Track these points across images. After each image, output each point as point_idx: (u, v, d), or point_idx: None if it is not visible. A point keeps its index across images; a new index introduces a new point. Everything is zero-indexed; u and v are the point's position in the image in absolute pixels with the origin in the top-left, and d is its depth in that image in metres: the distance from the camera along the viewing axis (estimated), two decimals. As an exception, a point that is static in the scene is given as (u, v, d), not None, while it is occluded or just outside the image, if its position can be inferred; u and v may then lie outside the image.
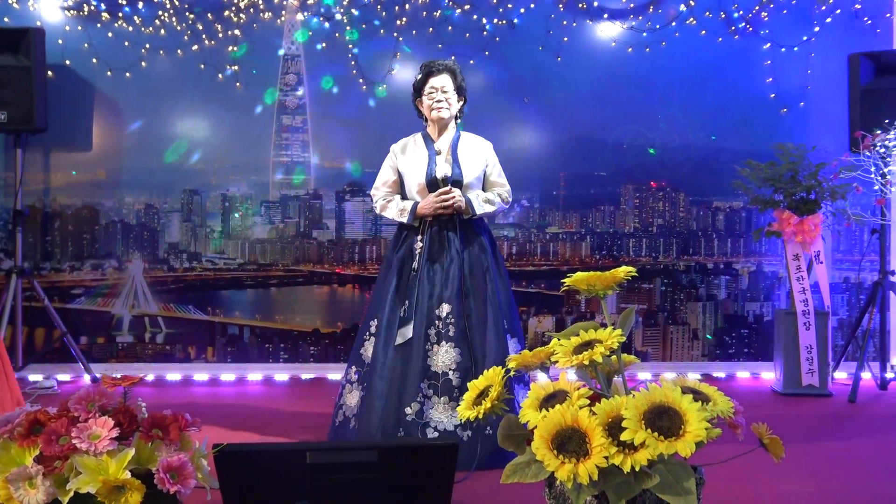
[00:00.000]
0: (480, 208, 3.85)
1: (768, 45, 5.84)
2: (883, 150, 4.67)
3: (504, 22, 5.82)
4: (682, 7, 5.83)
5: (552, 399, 1.90)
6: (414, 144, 3.99)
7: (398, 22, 5.79)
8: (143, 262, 5.83)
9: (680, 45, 5.85)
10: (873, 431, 4.18)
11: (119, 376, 2.37)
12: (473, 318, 3.74)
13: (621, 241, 6.00)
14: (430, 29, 5.80)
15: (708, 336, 5.94)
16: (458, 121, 4.04)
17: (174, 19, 5.73)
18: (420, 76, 3.93)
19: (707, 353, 5.95)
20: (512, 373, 2.15)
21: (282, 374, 5.73)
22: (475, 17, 5.81)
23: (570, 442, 1.76)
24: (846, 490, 3.16)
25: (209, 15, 5.74)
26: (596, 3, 5.84)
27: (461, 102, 3.98)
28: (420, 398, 3.63)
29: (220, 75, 5.78)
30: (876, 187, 4.81)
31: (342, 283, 5.96)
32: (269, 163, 5.92)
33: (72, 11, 5.69)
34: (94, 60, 5.69)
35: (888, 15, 5.83)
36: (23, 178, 5.50)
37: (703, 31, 5.84)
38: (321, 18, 5.81)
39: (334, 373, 5.72)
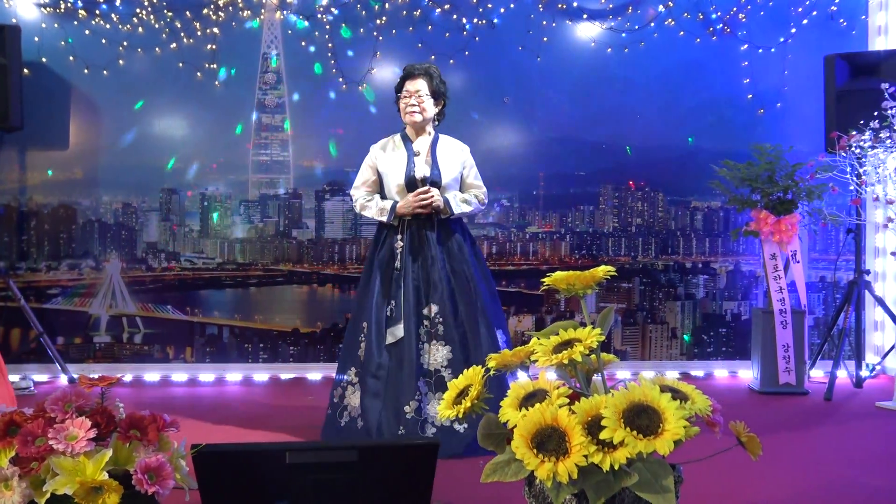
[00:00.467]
0: (458, 208, 3.94)
1: (746, 46, 5.89)
2: (858, 150, 4.71)
3: (484, 22, 5.83)
4: (661, 8, 5.86)
5: (532, 398, 1.90)
6: (393, 145, 4.07)
7: (378, 21, 5.78)
8: (120, 261, 5.79)
9: (658, 46, 5.89)
10: (849, 429, 4.22)
11: (96, 377, 2.36)
12: (462, 316, 3.84)
13: (600, 240, 6.03)
14: (410, 28, 5.80)
15: (685, 337, 5.98)
16: (437, 123, 4.12)
17: (152, 17, 5.69)
18: (399, 78, 4.04)
19: (685, 351, 5.99)
20: (492, 372, 2.15)
21: (261, 375, 5.71)
22: (455, 16, 5.81)
23: (549, 441, 1.76)
24: (823, 486, 3.19)
25: (187, 13, 5.71)
26: (575, 4, 5.86)
27: (439, 105, 4.06)
28: (418, 396, 3.74)
29: (198, 74, 5.74)
30: (851, 188, 4.85)
31: (322, 283, 5.94)
32: (248, 162, 5.89)
33: (48, 9, 5.63)
34: (71, 58, 5.65)
35: (863, 17, 5.89)
36: (-1, 177, 5.45)
37: (682, 32, 5.88)
38: (301, 17, 5.79)
39: (314, 373, 5.71)
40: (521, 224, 6.03)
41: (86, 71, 5.66)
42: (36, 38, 5.60)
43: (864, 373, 5.40)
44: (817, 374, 5.54)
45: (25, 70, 5.47)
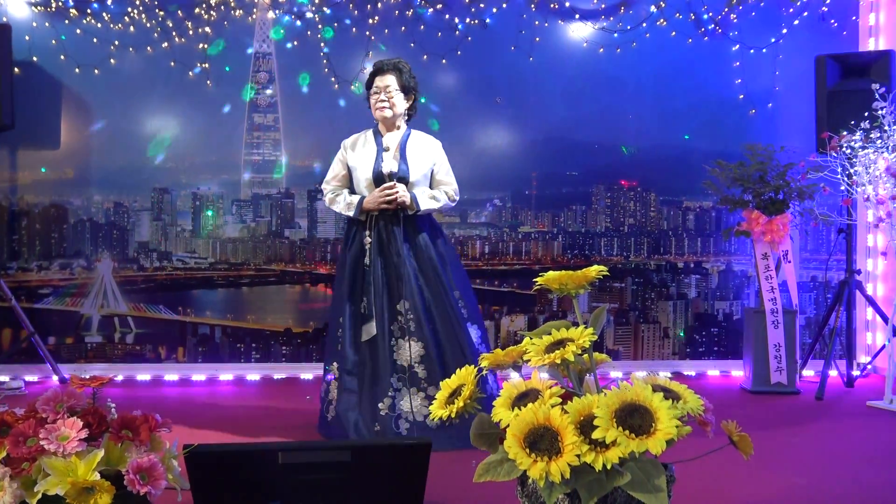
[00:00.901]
0: (425, 204, 3.94)
1: (737, 46, 5.90)
2: (849, 151, 4.72)
3: (476, 21, 5.83)
4: (653, 8, 5.87)
5: (524, 398, 1.90)
6: (364, 140, 4.07)
7: (370, 21, 5.78)
8: (112, 261, 5.77)
9: (650, 46, 5.90)
10: (840, 428, 4.24)
11: (88, 377, 2.35)
12: (432, 312, 3.86)
13: (593, 240, 6.03)
14: (403, 28, 5.79)
15: (680, 333, 5.99)
16: (409, 118, 4.11)
17: (144, 16, 5.67)
18: (369, 74, 4.04)
19: (678, 351, 6.00)
20: (485, 371, 2.15)
21: (253, 374, 5.70)
22: (447, 16, 5.81)
23: (542, 440, 1.77)
24: (814, 486, 3.20)
25: (179, 12, 5.69)
26: (568, 4, 5.87)
27: (409, 101, 4.04)
28: (391, 392, 3.76)
29: (190, 73, 5.73)
30: (842, 188, 4.86)
31: (314, 283, 5.93)
32: (240, 161, 5.88)
33: (39, 7, 5.61)
34: (62, 57, 5.63)
35: (854, 18, 5.91)
36: (-11, 177, 5.43)
37: (674, 33, 5.89)
38: (293, 16, 5.79)
39: (306, 372, 5.70)
40: (514, 224, 6.03)
41: (77, 70, 5.64)
42: (27, 37, 5.58)
43: (856, 372, 5.42)
44: (808, 373, 5.56)
45: (16, 69, 5.44)
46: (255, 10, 5.77)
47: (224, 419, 4.41)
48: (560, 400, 1.86)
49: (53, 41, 5.63)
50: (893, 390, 4.62)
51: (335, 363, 3.94)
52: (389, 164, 3.93)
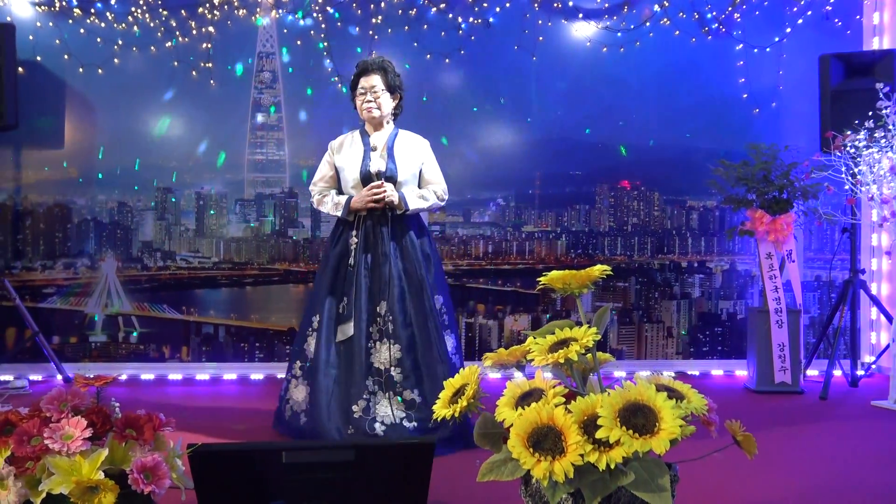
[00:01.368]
0: (413, 204, 3.89)
1: (741, 45, 5.89)
2: (853, 150, 4.71)
3: (479, 21, 5.83)
4: (656, 7, 5.86)
5: (528, 397, 1.90)
6: (351, 140, 4.04)
7: (373, 20, 5.77)
8: (116, 260, 5.78)
9: (654, 46, 5.89)
10: (844, 428, 4.23)
11: (92, 376, 2.35)
12: (411, 316, 3.80)
13: (596, 239, 6.03)
14: (406, 27, 5.79)
15: (683, 332, 5.98)
16: (395, 117, 4.08)
17: (147, 16, 5.68)
18: (354, 74, 4.00)
19: (681, 350, 5.99)
20: (488, 374, 2.15)
21: (257, 374, 5.70)
22: (450, 15, 5.81)
23: (545, 440, 1.77)
24: (818, 486, 3.19)
25: (183, 11, 5.69)
26: (571, 3, 5.86)
27: (396, 100, 4.02)
28: (366, 395, 3.71)
29: (193, 72, 5.73)
30: (847, 187, 4.85)
31: (318, 282, 5.93)
32: (243, 161, 5.88)
33: (43, 7, 5.62)
34: (66, 57, 5.64)
35: (858, 17, 5.90)
36: (-7, 176, 5.44)
37: (677, 32, 5.88)
38: (296, 16, 5.79)
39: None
40: (518, 223, 6.03)
41: (81, 70, 5.65)
42: (31, 37, 5.59)
43: (860, 372, 5.40)
44: (813, 373, 5.55)
45: (20, 69, 5.45)
46: (258, 9, 5.77)
47: (228, 418, 4.42)
48: (564, 399, 1.86)
49: (57, 41, 5.63)
50: (898, 390, 4.61)
51: (298, 361, 3.91)
52: (377, 164, 3.90)
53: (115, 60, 5.68)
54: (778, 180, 5.08)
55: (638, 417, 1.75)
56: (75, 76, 5.66)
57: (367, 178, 3.88)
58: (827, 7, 5.86)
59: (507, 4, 5.82)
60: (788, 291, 5.20)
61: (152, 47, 5.70)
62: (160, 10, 5.67)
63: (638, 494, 1.74)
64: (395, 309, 3.77)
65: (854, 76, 5.31)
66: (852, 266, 5.35)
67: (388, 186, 3.82)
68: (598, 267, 2.09)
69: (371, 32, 5.78)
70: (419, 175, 4.03)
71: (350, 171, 3.92)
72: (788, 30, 5.87)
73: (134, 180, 5.79)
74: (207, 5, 5.69)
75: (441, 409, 2.08)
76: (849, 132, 4.72)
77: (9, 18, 5.51)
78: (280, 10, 5.78)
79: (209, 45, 5.73)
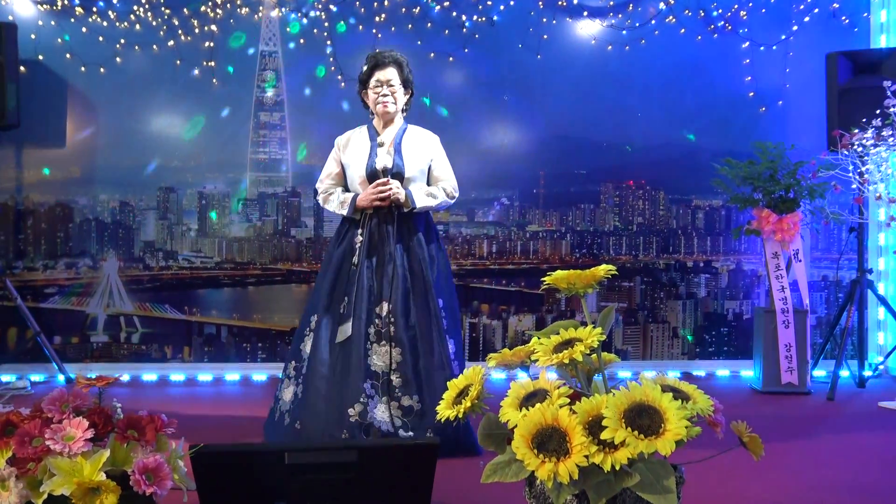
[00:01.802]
0: (421, 201, 3.75)
1: (747, 43, 5.87)
2: (860, 148, 4.69)
3: (484, 19, 5.81)
4: (662, 5, 5.84)
5: (532, 398, 1.89)
6: (358, 136, 3.91)
7: (377, 18, 5.76)
8: (118, 260, 5.77)
9: (659, 44, 5.87)
10: (852, 429, 4.20)
11: (94, 376, 2.36)
12: (414, 318, 3.67)
13: (601, 239, 6.00)
14: (410, 25, 5.77)
15: (689, 337, 5.95)
16: (405, 113, 3.97)
17: (149, 14, 5.67)
18: (366, 67, 3.86)
19: (687, 351, 5.96)
20: (492, 374, 2.14)
21: (260, 374, 5.68)
22: (454, 13, 5.79)
23: (550, 441, 1.75)
24: (825, 488, 3.17)
25: (185, 10, 5.68)
26: (576, 1, 5.85)
27: (408, 95, 3.92)
28: (363, 399, 3.55)
29: (196, 71, 5.72)
30: (854, 186, 4.83)
31: (321, 282, 5.91)
32: (246, 160, 5.87)
33: (45, 6, 5.62)
34: (68, 56, 5.63)
35: (865, 14, 5.87)
36: (-5, 176, 5.44)
37: (683, 30, 5.86)
38: (299, 14, 5.77)
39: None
40: (522, 223, 6.01)
41: (83, 69, 5.64)
42: (32, 36, 5.58)
43: (867, 372, 5.39)
44: (820, 373, 5.53)
45: (22, 68, 5.44)
46: (261, 8, 5.75)
47: (230, 419, 4.41)
48: (568, 400, 1.85)
49: (59, 40, 5.63)
50: (905, 390, 4.58)
51: (293, 361, 3.78)
52: (384, 160, 3.77)
53: (118, 59, 5.68)
54: (784, 179, 5.05)
55: (643, 418, 1.74)
56: (77, 75, 5.65)
57: (373, 175, 3.76)
58: (834, 5, 5.83)
59: (512, 2, 5.80)
60: (795, 291, 5.17)
61: (154, 46, 5.69)
62: (162, 8, 5.66)
63: (643, 496, 1.73)
64: (398, 311, 3.63)
65: (861, 74, 5.29)
66: (860, 266, 5.32)
67: (395, 183, 3.69)
68: (603, 267, 2.08)
69: (374, 31, 5.76)
70: (428, 172, 3.89)
71: (356, 168, 3.81)
72: (795, 27, 5.85)
73: (136, 179, 5.78)
74: (210, 4, 5.68)
75: (445, 410, 2.06)
76: (856, 130, 4.71)
77: (11, 17, 5.51)
78: (282, 9, 5.76)
79: (211, 44, 5.71)
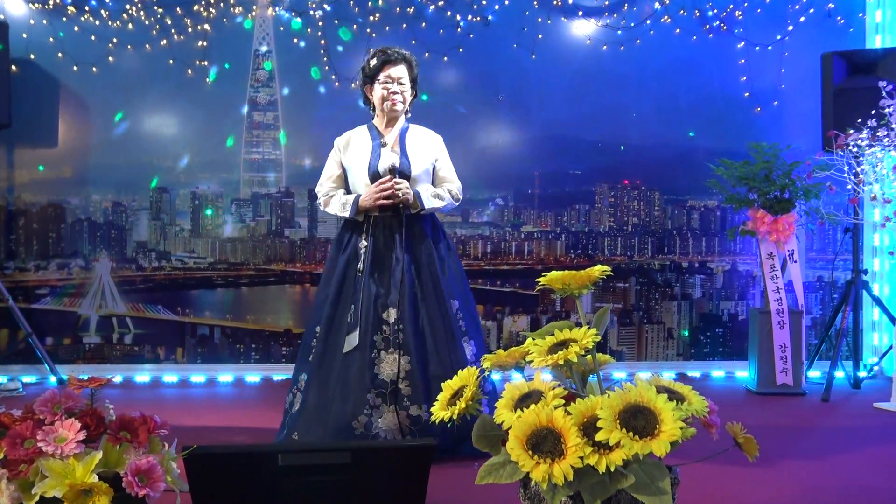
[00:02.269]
0: (429, 203, 3.63)
1: (742, 43, 5.87)
2: (856, 149, 4.69)
3: (478, 19, 5.80)
4: (657, 5, 5.84)
5: (527, 399, 1.88)
6: (359, 137, 3.77)
7: (371, 17, 5.75)
8: (110, 261, 5.75)
9: (654, 43, 5.86)
10: (846, 430, 4.20)
11: (86, 378, 2.35)
12: (423, 324, 3.53)
13: (596, 239, 6.00)
14: (404, 25, 5.76)
15: (684, 332, 5.95)
16: (408, 114, 3.84)
17: (142, 13, 5.65)
18: (375, 62, 3.69)
19: (682, 352, 5.96)
20: (487, 373, 2.12)
21: (253, 375, 5.67)
22: (449, 13, 5.78)
23: (544, 442, 1.75)
24: (820, 488, 3.16)
25: (178, 9, 5.67)
26: (571, 1, 5.84)
27: (413, 95, 3.79)
28: (367, 409, 3.42)
29: (189, 71, 5.70)
30: (849, 186, 4.83)
31: (315, 283, 5.89)
32: (239, 160, 5.85)
33: (36, 5, 5.59)
34: (60, 55, 5.62)
35: (861, 14, 5.88)
36: (-14, 176, 5.41)
37: (678, 30, 5.86)
38: (293, 14, 5.76)
39: (307, 373, 5.67)
40: (517, 223, 6.00)
41: (75, 68, 5.62)
42: (24, 35, 5.56)
43: (862, 373, 5.38)
44: (815, 374, 5.52)
45: (13, 67, 5.42)
46: (254, 7, 5.74)
47: (223, 421, 4.39)
48: (563, 401, 1.84)
49: (51, 39, 5.60)
50: (901, 391, 4.58)
51: (304, 374, 3.61)
52: (388, 160, 3.61)
53: (110, 59, 5.66)
54: (780, 180, 5.05)
55: (638, 419, 1.73)
56: (69, 74, 5.63)
57: (376, 176, 3.60)
58: (829, 5, 5.83)
59: (507, 2, 5.80)
60: (790, 292, 5.17)
61: (147, 45, 5.67)
62: (155, 7, 5.65)
63: (638, 497, 1.73)
64: (406, 317, 3.48)
65: (857, 74, 5.29)
66: (854, 266, 5.32)
67: (404, 183, 3.56)
68: (598, 267, 2.07)
69: (368, 30, 5.75)
70: (433, 172, 3.77)
71: (358, 169, 3.66)
72: (790, 27, 5.85)
73: (128, 180, 5.76)
74: (203, 3, 5.67)
75: (439, 412, 2.05)
76: (851, 131, 4.71)
77: (2, 16, 5.49)
78: (276, 8, 5.75)
79: (205, 43, 5.70)
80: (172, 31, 5.67)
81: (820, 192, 5.02)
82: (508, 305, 5.96)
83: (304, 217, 5.90)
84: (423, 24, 5.78)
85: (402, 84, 3.68)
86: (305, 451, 2.54)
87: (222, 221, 5.87)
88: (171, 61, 5.69)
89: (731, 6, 5.83)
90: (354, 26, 5.76)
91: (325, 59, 5.77)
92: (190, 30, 5.68)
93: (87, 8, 5.62)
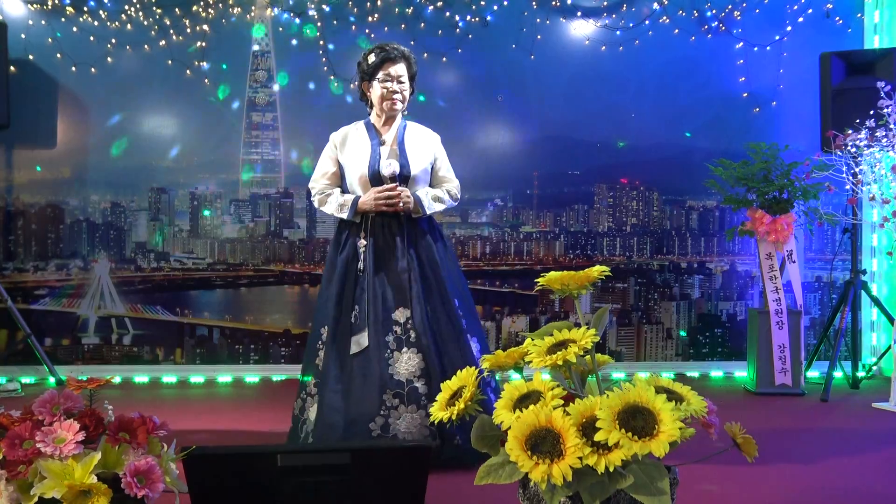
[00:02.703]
0: (430, 208, 3.61)
1: (741, 44, 5.87)
2: (854, 149, 4.69)
3: (477, 19, 5.80)
4: (656, 5, 5.84)
5: (526, 399, 1.88)
6: (356, 134, 3.70)
7: (370, 18, 5.75)
8: (109, 261, 5.75)
9: (653, 44, 5.86)
10: (845, 430, 4.20)
11: (85, 378, 2.34)
12: (431, 322, 3.50)
13: (595, 240, 6.00)
14: (403, 25, 5.76)
15: (682, 332, 5.95)
16: (405, 112, 3.79)
17: (141, 14, 5.65)
18: (374, 59, 3.62)
19: (681, 352, 5.96)
20: (486, 373, 2.12)
21: (252, 376, 5.67)
22: (448, 13, 5.78)
23: (544, 442, 1.74)
24: (819, 488, 3.16)
25: (177, 10, 5.67)
26: (569, 1, 5.84)
27: (411, 92, 3.73)
28: (384, 411, 3.36)
29: (187, 71, 5.70)
30: (847, 187, 4.83)
31: (314, 284, 5.89)
32: (238, 160, 5.85)
33: (35, 5, 5.59)
34: (59, 55, 5.62)
35: (859, 15, 5.88)
36: (-15, 176, 5.41)
37: (677, 30, 5.86)
38: (292, 14, 5.76)
39: (306, 374, 5.66)
40: (515, 224, 6.00)
41: (73, 68, 5.62)
42: (22, 35, 5.56)
43: (861, 373, 5.38)
44: (813, 374, 5.52)
45: (12, 67, 5.42)
46: (253, 7, 5.74)
47: (223, 421, 4.39)
48: (562, 402, 1.84)
49: (49, 39, 5.60)
50: (899, 391, 4.58)
51: (312, 377, 3.55)
52: (388, 160, 3.57)
53: (109, 59, 5.66)
54: (778, 180, 5.05)
55: (637, 420, 1.73)
56: (68, 75, 5.63)
57: (376, 176, 3.56)
58: (828, 5, 5.84)
59: (505, 3, 5.80)
60: (789, 292, 5.17)
61: (146, 46, 5.67)
62: (154, 8, 5.65)
63: (637, 497, 1.72)
64: (416, 315, 3.45)
65: (855, 75, 5.29)
66: (853, 266, 5.32)
67: (405, 192, 3.51)
68: (597, 268, 2.06)
69: (367, 31, 5.75)
70: (431, 171, 3.72)
71: (356, 169, 3.59)
72: (789, 28, 5.85)
73: (127, 180, 5.76)
74: (201, 3, 5.66)
75: (438, 413, 2.05)
76: (850, 131, 4.71)
77: (0, 17, 5.48)
78: (275, 9, 5.75)
79: (203, 44, 5.69)
80: (171, 31, 5.67)
81: (818, 192, 5.03)
82: (507, 306, 5.96)
83: (303, 217, 5.90)
84: (422, 25, 5.78)
85: (401, 82, 3.63)
86: (304, 451, 2.54)
87: (221, 222, 5.87)
88: (169, 62, 5.69)
89: (730, 7, 5.83)
90: (353, 27, 5.76)
91: (324, 59, 5.76)
92: (189, 30, 5.68)
93: (85, 8, 5.62)
